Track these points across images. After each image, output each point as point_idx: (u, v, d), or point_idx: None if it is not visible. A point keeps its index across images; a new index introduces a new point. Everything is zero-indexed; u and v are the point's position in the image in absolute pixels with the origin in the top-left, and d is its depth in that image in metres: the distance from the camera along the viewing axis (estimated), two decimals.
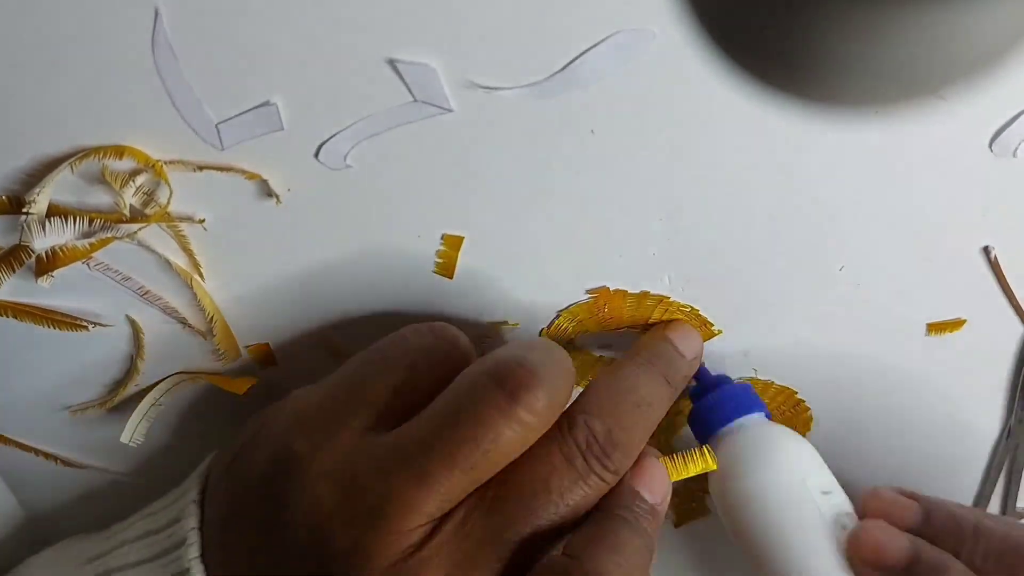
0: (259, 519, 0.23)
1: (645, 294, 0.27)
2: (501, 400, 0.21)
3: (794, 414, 0.30)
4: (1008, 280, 0.27)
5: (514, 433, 0.21)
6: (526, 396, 0.21)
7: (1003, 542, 0.24)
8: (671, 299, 0.27)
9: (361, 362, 0.24)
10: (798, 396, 0.29)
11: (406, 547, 0.21)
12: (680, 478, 0.25)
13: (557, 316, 0.28)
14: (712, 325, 0.28)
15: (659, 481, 0.24)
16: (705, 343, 0.28)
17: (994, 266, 0.26)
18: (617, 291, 0.27)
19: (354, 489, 0.21)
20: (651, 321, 0.28)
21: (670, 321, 0.27)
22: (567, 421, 0.23)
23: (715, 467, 0.25)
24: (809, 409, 0.30)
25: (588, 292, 0.27)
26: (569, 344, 0.29)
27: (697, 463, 0.25)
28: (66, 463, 0.31)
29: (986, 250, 0.26)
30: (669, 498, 0.24)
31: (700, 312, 0.28)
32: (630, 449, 0.23)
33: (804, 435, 0.29)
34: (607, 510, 0.23)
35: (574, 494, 0.22)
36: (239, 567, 0.23)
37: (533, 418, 0.21)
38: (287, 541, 0.22)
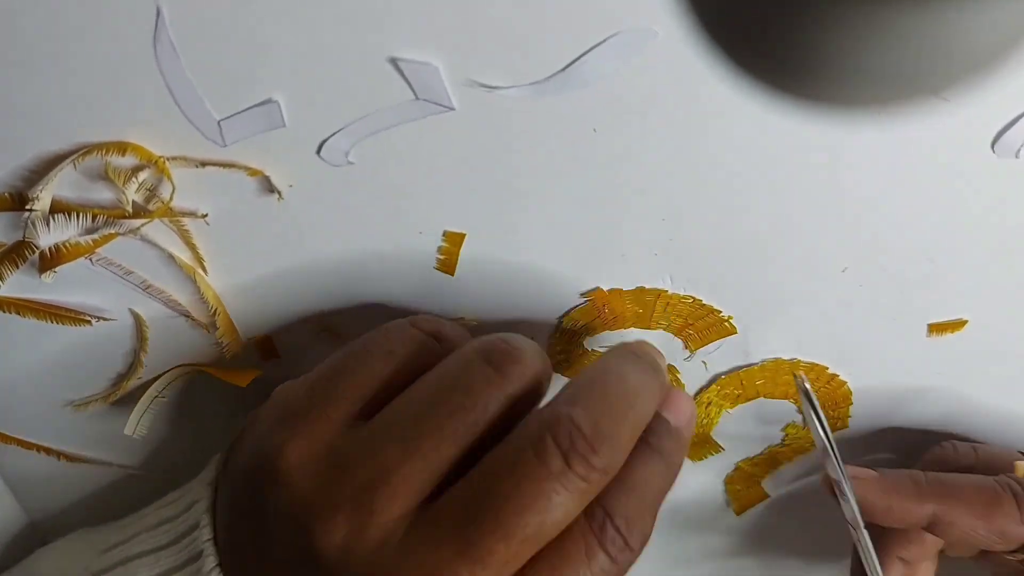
0: (248, 511, 0.23)
1: (641, 289, 0.27)
2: (489, 372, 0.21)
3: (830, 389, 0.29)
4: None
5: (499, 404, 0.21)
6: (511, 367, 0.21)
7: None
8: (669, 292, 0.27)
9: (343, 355, 0.24)
10: (830, 371, 0.29)
11: (381, 541, 0.20)
12: None
13: (559, 322, 0.28)
14: (719, 312, 0.28)
15: (683, 404, 0.23)
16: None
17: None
18: (613, 291, 0.27)
19: (337, 474, 0.21)
20: (654, 318, 0.28)
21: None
22: (548, 413, 0.21)
23: None
24: (845, 383, 0.29)
25: (582, 295, 0.27)
26: (579, 347, 0.29)
27: None
28: (69, 458, 0.31)
29: None
30: (694, 423, 0.23)
31: (703, 302, 0.27)
32: (620, 443, 0.21)
33: (846, 410, 0.29)
34: None
35: (552, 501, 0.20)
36: (242, 554, 0.23)
37: (517, 388, 0.21)
38: (271, 531, 0.22)
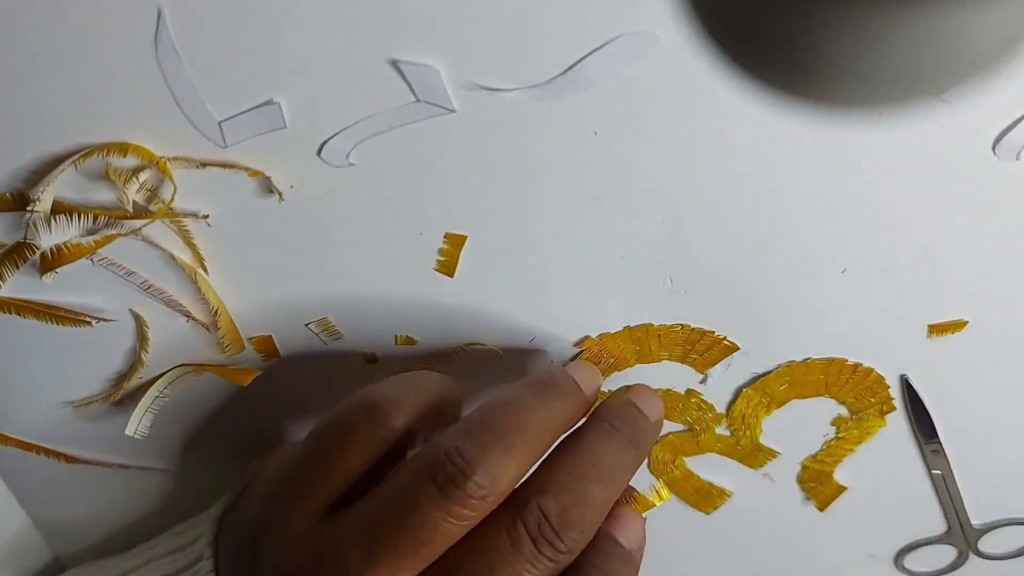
0: (245, 556, 0.24)
1: (629, 329, 0.28)
2: (434, 493, 0.21)
3: (857, 379, 0.29)
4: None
5: (452, 524, 0.21)
6: (454, 491, 0.21)
7: None
8: (656, 325, 0.28)
9: (313, 441, 0.24)
10: (850, 363, 0.29)
11: None
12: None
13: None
14: (713, 333, 0.28)
15: (635, 527, 0.24)
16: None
17: None
18: (603, 336, 0.28)
19: (315, 568, 0.22)
20: (653, 351, 0.28)
21: (631, 386, 0.27)
22: (519, 501, 0.22)
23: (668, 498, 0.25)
24: (872, 369, 0.29)
25: (575, 345, 0.28)
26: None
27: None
28: (69, 459, 0.31)
29: None
30: (644, 545, 0.24)
31: (692, 327, 0.28)
32: (587, 526, 0.23)
33: (885, 393, 0.29)
34: (580, 565, 0.23)
35: None
36: None
37: (467, 510, 0.21)
38: None
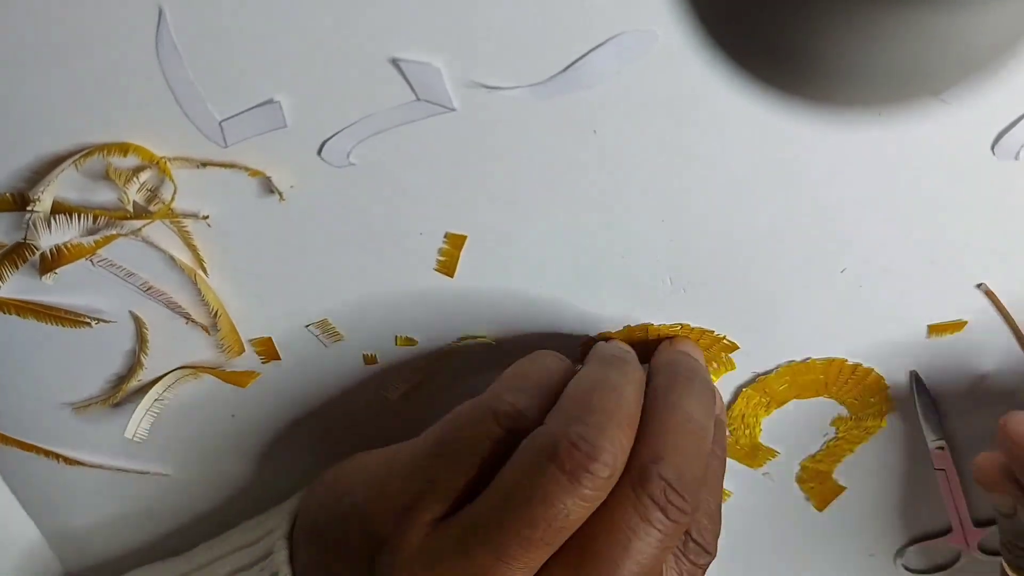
0: (332, 545, 0.24)
1: (629, 327, 0.28)
2: (563, 480, 0.21)
3: (856, 379, 0.29)
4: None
5: (582, 507, 0.22)
6: (584, 475, 0.21)
7: None
8: (656, 324, 0.28)
9: (433, 451, 0.24)
10: (850, 363, 0.29)
11: None
12: None
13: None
14: (712, 332, 0.28)
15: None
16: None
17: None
18: (601, 335, 0.28)
19: (442, 573, 0.22)
20: (651, 336, 0.28)
21: (672, 338, 0.28)
22: (639, 475, 0.22)
23: None
24: (872, 370, 0.29)
25: (581, 345, 0.28)
26: None
27: None
28: (68, 461, 0.31)
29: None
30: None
31: (691, 326, 0.28)
32: (700, 481, 0.23)
33: (883, 395, 0.29)
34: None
35: (657, 549, 0.22)
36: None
37: (596, 491, 0.22)
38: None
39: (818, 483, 0.32)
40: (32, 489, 0.32)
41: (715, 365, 0.29)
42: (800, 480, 0.32)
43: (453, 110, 0.23)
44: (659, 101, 0.23)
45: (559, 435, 0.22)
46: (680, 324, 0.28)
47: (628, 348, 0.27)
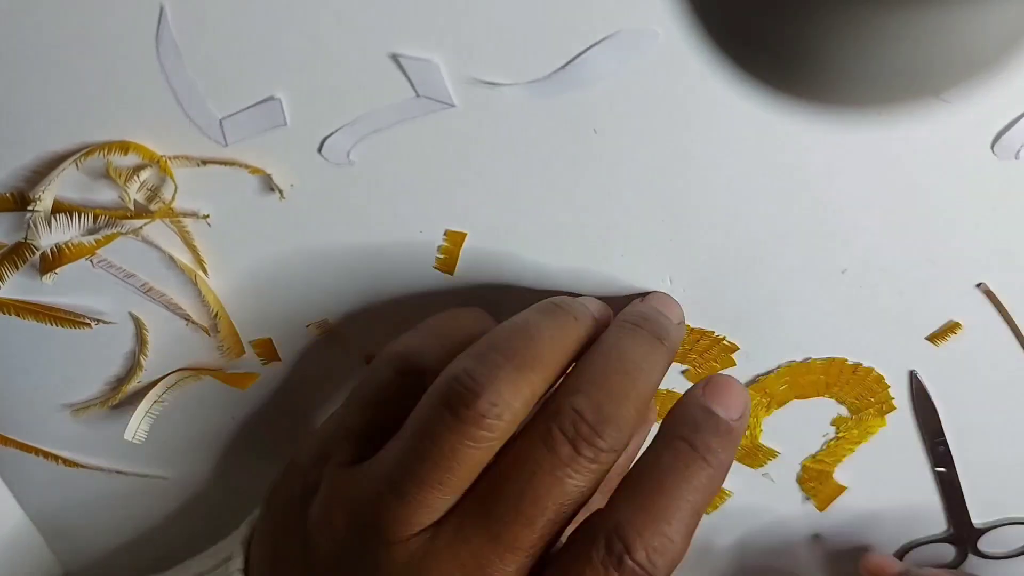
0: (293, 543, 0.24)
1: None
2: (448, 419, 0.21)
3: (857, 379, 0.29)
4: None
5: (472, 448, 0.21)
6: (469, 413, 0.21)
7: None
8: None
9: (345, 401, 0.25)
10: (850, 362, 0.29)
11: (410, 553, 0.21)
12: None
13: None
14: (712, 333, 0.28)
15: (734, 394, 0.22)
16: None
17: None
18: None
19: (353, 513, 0.22)
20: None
21: (647, 293, 0.27)
22: (551, 408, 0.21)
23: None
24: (872, 369, 0.29)
25: None
26: None
27: None
28: (68, 463, 0.31)
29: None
30: (749, 413, 0.22)
31: (691, 326, 0.28)
32: (624, 421, 0.21)
33: (885, 393, 0.29)
34: (666, 434, 0.22)
35: (566, 486, 0.21)
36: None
37: (484, 431, 0.21)
38: (314, 560, 0.23)
39: (819, 483, 0.32)
40: (31, 490, 0.32)
41: (716, 364, 0.29)
42: (801, 480, 0.32)
43: (453, 106, 0.23)
44: (659, 100, 0.23)
45: (446, 372, 0.21)
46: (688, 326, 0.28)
47: (585, 299, 0.25)
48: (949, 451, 0.30)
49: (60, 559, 0.33)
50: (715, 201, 0.25)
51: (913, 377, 0.29)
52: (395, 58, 0.22)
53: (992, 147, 0.24)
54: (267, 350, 0.29)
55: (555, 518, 0.21)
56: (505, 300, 0.27)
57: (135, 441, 0.29)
